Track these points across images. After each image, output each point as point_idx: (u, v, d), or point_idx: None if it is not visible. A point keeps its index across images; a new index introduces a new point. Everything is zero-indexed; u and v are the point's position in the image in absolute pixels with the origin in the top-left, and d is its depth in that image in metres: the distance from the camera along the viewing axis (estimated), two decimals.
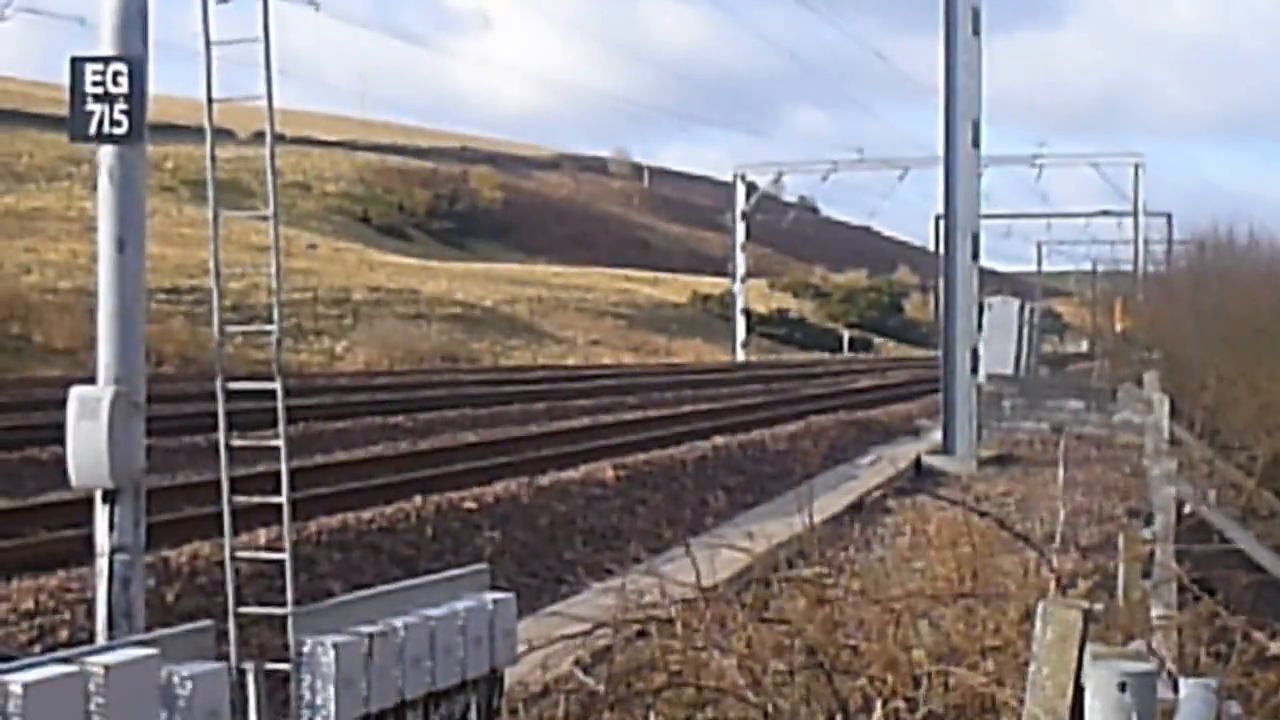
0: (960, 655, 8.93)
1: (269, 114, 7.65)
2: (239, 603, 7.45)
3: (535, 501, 18.12)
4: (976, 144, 28.27)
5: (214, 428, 7.60)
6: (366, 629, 7.37)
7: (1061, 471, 18.53)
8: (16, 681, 5.82)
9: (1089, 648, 5.54)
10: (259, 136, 8.51)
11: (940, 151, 28.79)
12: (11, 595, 11.36)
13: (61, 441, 8.43)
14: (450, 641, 7.82)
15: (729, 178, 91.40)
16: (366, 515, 15.78)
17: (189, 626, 7.22)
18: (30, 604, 11.16)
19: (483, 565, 9.00)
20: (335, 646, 7.12)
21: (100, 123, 8.17)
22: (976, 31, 27.86)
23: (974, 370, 28.26)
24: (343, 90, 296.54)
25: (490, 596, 8.36)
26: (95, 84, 8.17)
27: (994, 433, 31.15)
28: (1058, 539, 13.08)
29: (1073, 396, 34.66)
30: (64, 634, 10.70)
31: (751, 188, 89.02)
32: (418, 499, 16.96)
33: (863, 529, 18.12)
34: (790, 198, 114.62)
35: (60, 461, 8.92)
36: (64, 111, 8.42)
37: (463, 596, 8.22)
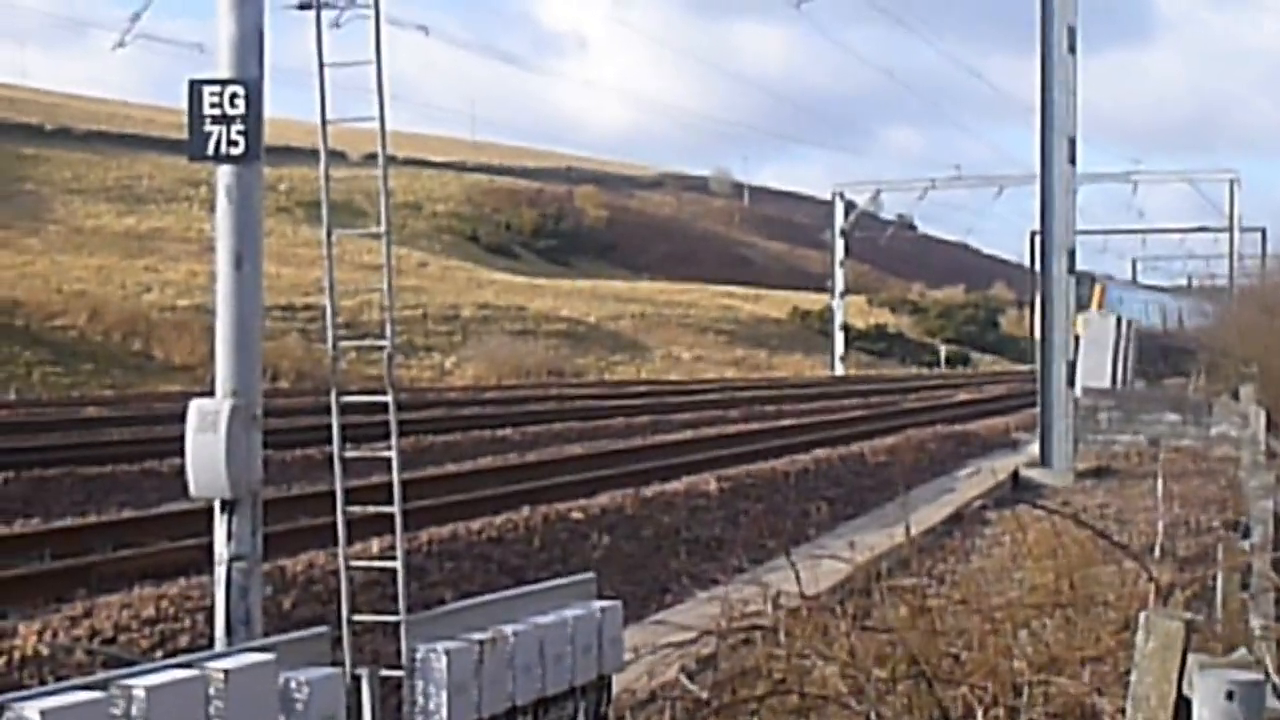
0: (1060, 664, 8.97)
1: (381, 135, 7.85)
2: (353, 610, 7.63)
3: (640, 512, 18.25)
4: (1072, 161, 28.14)
5: (328, 440, 7.76)
6: (478, 636, 7.52)
7: (1160, 483, 18.42)
8: (140, 685, 6.01)
9: (1193, 657, 5.60)
10: (370, 158, 8.70)
11: (1036, 168, 28.72)
12: (134, 602, 11.59)
13: (181, 454, 8.60)
14: (559, 649, 7.95)
15: (828, 196, 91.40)
16: (476, 525, 15.95)
17: (306, 633, 7.41)
18: (152, 611, 11.38)
19: (590, 574, 9.13)
20: (448, 653, 7.27)
21: (218, 143, 8.31)
22: (1072, 49, 27.74)
23: (1071, 384, 28.15)
24: (451, 113, 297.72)
25: (598, 605, 8.49)
26: (213, 105, 8.31)
27: (1091, 445, 30.97)
28: (1157, 550, 13.08)
29: (1169, 409, 34.35)
30: (184, 640, 10.90)
31: (850, 206, 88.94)
32: (525, 509, 17.12)
33: (962, 539, 18.13)
34: (888, 215, 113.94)
35: (179, 473, 9.10)
36: (182, 134, 8.62)
37: (571, 605, 8.35)
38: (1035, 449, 28.51)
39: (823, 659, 9.13)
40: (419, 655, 7.31)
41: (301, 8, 8.28)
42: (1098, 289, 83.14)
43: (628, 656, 9.14)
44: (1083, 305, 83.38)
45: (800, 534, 18.42)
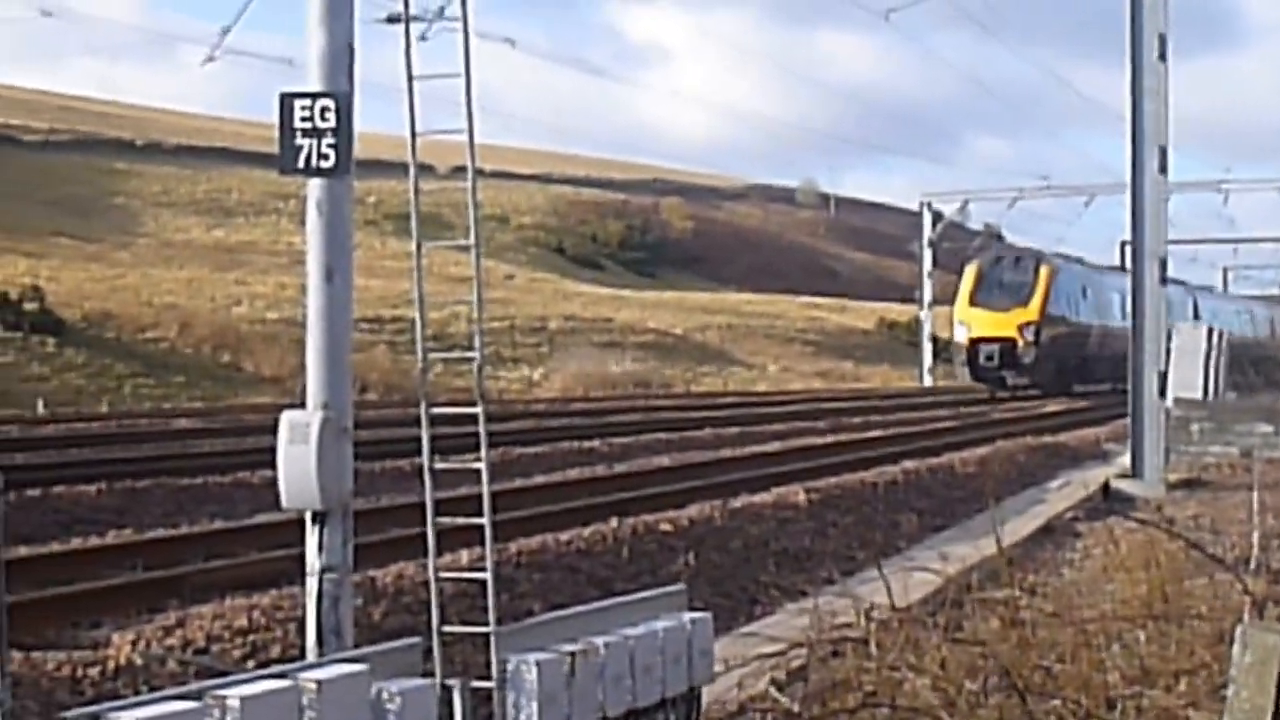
0: (1154, 677, 8.91)
1: (470, 147, 7.88)
2: (443, 621, 7.65)
3: (728, 524, 18.21)
4: (1163, 170, 27.85)
5: (416, 452, 7.79)
6: (568, 647, 7.53)
7: (1256, 495, 18.22)
8: (234, 696, 6.06)
9: None
10: (457, 171, 8.75)
11: (1127, 178, 28.46)
12: (225, 613, 11.67)
13: (270, 465, 8.66)
14: (650, 660, 7.95)
15: (915, 206, 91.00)
16: (564, 537, 15.95)
17: (398, 644, 7.44)
18: (243, 621, 11.46)
19: (680, 585, 9.13)
20: (538, 664, 7.28)
21: (308, 156, 8.38)
22: (1163, 57, 27.44)
23: (1162, 394, 27.89)
24: (537, 124, 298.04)
25: (688, 616, 8.48)
26: (303, 119, 8.38)
27: (1182, 457, 30.70)
28: (1252, 562, 12.94)
29: (1262, 420, 33.98)
30: (275, 650, 10.96)
31: (938, 216, 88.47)
32: (614, 521, 17.11)
33: (1053, 551, 18.02)
34: (975, 225, 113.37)
35: (269, 484, 9.17)
36: (270, 148, 8.70)
37: (661, 616, 8.36)
38: (1126, 460, 28.30)
39: (914, 671, 9.10)
40: (510, 666, 7.33)
41: (389, 21, 8.34)
42: (969, 271, 60.39)
43: (717, 668, 9.13)
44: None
45: (890, 545, 18.36)
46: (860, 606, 10.54)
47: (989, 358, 56.76)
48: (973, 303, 58.37)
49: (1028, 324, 56.65)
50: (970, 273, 60.12)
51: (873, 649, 9.62)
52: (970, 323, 58.10)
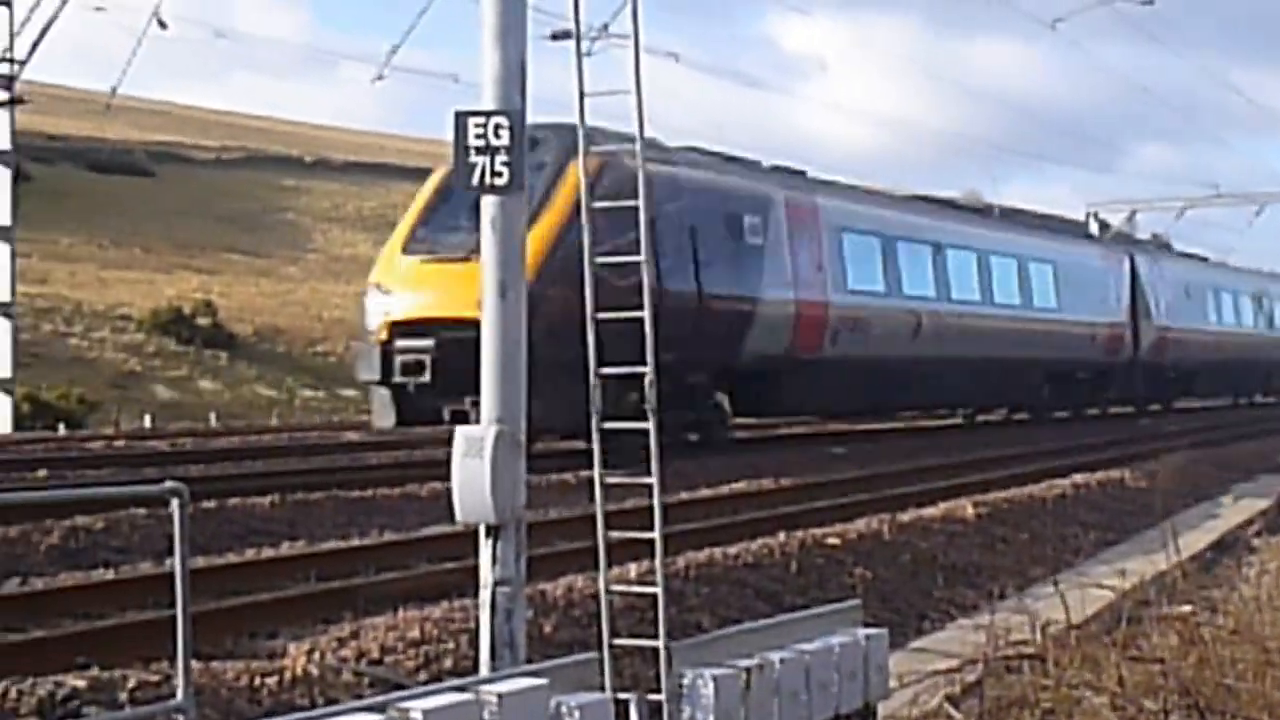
0: None
1: (639, 160, 7.92)
2: (614, 634, 7.68)
3: (897, 538, 18.09)
4: None
5: (583, 465, 7.83)
6: (744, 662, 7.53)
7: None
8: (417, 708, 6.15)
9: None
10: None
11: None
12: (399, 624, 11.77)
13: (437, 478, 8.72)
14: (825, 676, 7.94)
15: (1080, 216, 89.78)
16: (733, 550, 15.93)
17: (575, 658, 7.50)
18: (416, 633, 11.54)
19: (855, 600, 9.11)
20: (715, 679, 7.30)
21: (482, 174, 8.45)
22: None
23: None
24: (695, 136, 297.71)
25: (863, 632, 8.46)
26: (477, 137, 8.45)
27: None
28: None
29: None
30: (448, 662, 11.03)
31: (1104, 226, 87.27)
32: (782, 535, 17.07)
33: (1228, 566, 17.72)
34: (1143, 234, 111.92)
35: (437, 497, 9.25)
36: (436, 165, 8.78)
37: (836, 631, 8.34)
38: None
39: (1091, 689, 8.98)
40: (686, 681, 7.34)
41: (554, 38, 8.41)
42: (425, 187, 27.60)
43: (890, 684, 9.08)
44: None
45: (1061, 560, 18.15)
46: (1035, 622, 10.43)
47: (414, 368, 24.31)
48: (407, 249, 26.34)
49: None
50: (425, 188, 27.56)
51: (1049, 665, 9.51)
52: (393, 288, 25.63)
